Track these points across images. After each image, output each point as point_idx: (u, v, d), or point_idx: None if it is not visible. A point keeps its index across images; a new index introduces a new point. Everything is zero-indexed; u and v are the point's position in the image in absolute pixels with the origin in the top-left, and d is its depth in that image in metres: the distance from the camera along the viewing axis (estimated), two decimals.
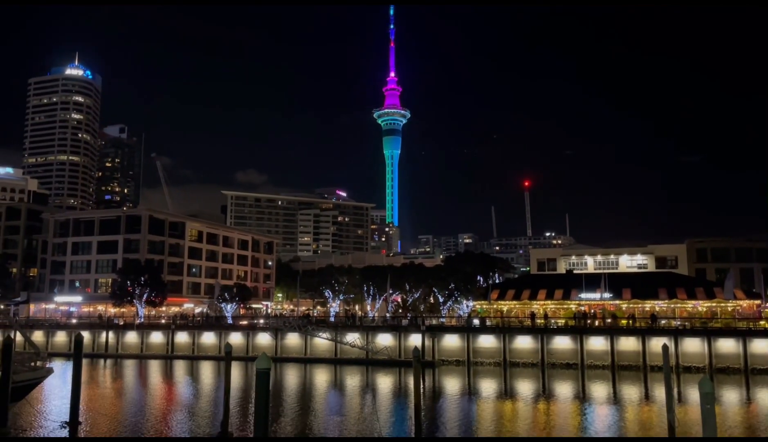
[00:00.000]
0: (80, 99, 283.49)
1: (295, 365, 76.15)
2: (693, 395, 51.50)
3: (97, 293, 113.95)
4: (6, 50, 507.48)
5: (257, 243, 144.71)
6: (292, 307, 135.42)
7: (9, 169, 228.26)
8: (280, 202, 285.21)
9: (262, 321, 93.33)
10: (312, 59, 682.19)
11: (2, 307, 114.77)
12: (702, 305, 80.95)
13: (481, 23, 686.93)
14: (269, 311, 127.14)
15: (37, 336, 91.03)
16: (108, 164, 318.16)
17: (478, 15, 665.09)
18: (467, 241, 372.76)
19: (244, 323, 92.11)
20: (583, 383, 61.94)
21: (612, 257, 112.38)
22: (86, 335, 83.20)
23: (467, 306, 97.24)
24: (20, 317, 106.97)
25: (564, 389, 59.00)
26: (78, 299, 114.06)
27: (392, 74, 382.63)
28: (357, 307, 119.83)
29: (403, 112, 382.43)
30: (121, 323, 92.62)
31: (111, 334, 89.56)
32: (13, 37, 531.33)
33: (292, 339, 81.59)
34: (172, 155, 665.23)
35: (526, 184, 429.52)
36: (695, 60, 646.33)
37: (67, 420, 38.66)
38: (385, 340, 77.52)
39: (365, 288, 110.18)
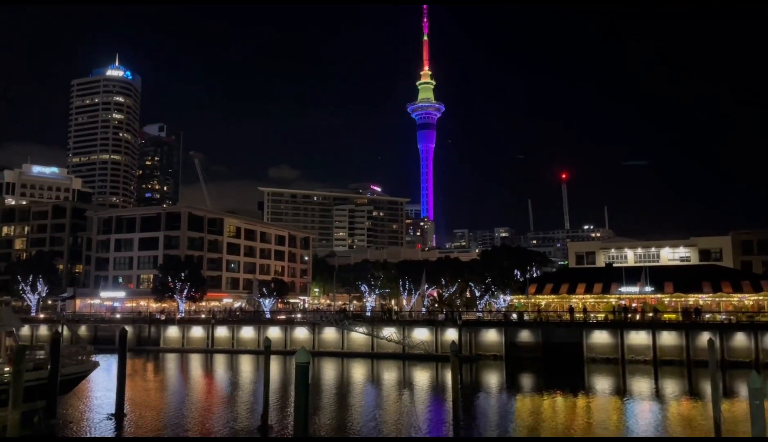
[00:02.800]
0: (121, 99, 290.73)
1: (333, 359, 76.75)
2: (740, 391, 50.10)
3: (139, 288, 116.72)
4: (50, 53, 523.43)
5: (294, 238, 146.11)
6: (328, 301, 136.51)
7: (55, 169, 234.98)
8: (315, 198, 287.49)
9: (299, 316, 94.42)
10: (345, 55, 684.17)
11: (50, 302, 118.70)
12: (748, 299, 78.64)
13: (516, 16, 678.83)
14: (306, 305, 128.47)
15: (83, 330, 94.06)
16: (148, 162, 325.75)
17: (512, 12, 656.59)
18: (503, 235, 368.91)
19: (282, 317, 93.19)
20: (624, 378, 60.85)
21: (653, 249, 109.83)
22: (129, 329, 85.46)
23: (504, 301, 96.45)
24: (67, 312, 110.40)
25: (604, 385, 58.09)
26: (121, 294, 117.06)
27: (426, 68, 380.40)
28: (393, 301, 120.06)
29: (437, 105, 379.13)
30: (163, 318, 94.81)
31: (153, 328, 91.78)
32: (57, 40, 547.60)
33: (329, 333, 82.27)
34: (206, 151, 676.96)
35: (564, 176, 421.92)
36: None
37: (113, 412, 39.80)
38: (421, 334, 77.54)
39: (401, 283, 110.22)
